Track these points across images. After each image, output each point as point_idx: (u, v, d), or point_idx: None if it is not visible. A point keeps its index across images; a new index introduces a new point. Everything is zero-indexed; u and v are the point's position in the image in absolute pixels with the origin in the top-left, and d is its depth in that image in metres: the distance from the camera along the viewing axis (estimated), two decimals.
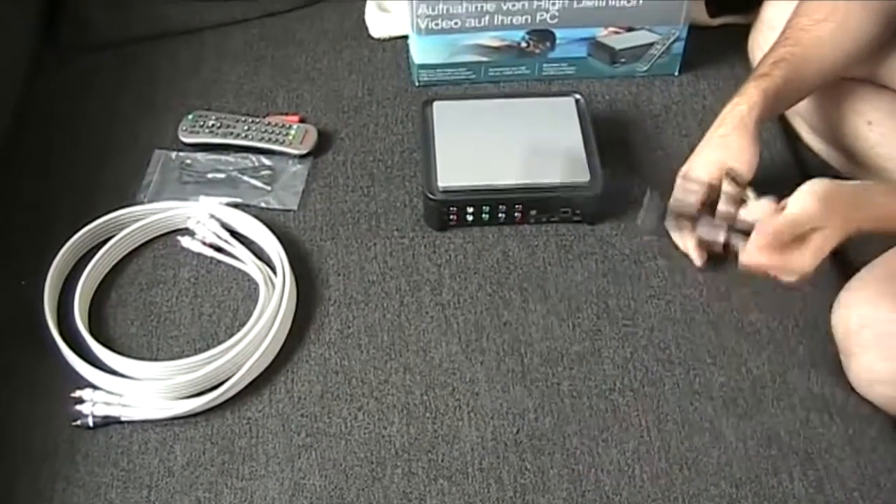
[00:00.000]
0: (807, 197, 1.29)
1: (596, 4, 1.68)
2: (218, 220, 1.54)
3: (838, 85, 1.60)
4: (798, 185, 1.32)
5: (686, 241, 1.50)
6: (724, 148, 1.45)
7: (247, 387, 1.38)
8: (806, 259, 1.30)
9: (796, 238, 1.30)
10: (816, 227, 1.29)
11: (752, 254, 1.33)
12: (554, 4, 1.68)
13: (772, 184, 1.53)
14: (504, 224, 1.55)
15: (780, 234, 1.30)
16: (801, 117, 1.73)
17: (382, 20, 1.86)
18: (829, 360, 1.40)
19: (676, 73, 1.81)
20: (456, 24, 1.69)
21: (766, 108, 1.46)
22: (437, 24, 1.69)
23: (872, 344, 1.33)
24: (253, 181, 1.61)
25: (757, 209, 1.37)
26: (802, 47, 1.48)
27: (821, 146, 1.73)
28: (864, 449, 1.33)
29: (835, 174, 1.69)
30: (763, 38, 1.70)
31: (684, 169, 1.47)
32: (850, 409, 1.36)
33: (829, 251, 1.31)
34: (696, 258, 1.49)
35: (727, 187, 1.39)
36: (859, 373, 1.36)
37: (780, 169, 1.64)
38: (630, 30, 1.74)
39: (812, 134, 1.73)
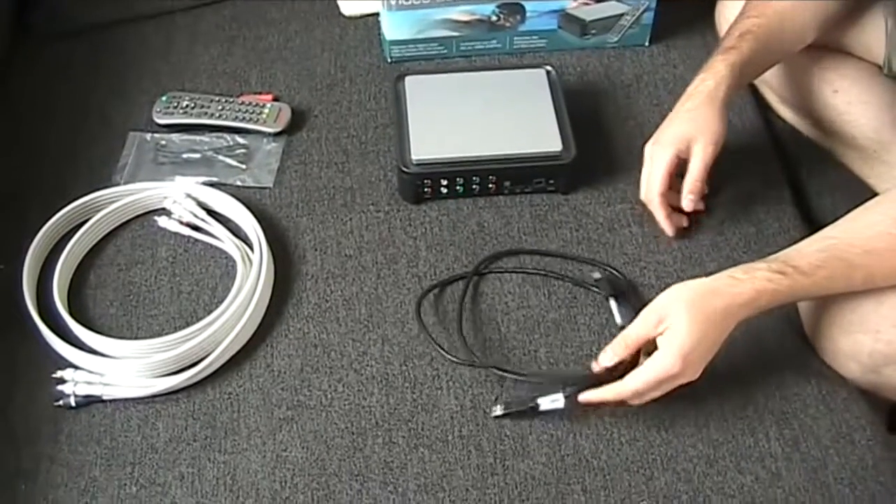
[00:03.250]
0: (669, 359, 1.23)
1: None
2: (194, 199, 1.54)
3: (805, 54, 1.61)
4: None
5: (658, 213, 1.51)
6: (691, 121, 1.46)
7: (227, 362, 1.39)
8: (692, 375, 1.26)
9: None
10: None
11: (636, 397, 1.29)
12: None
13: (743, 152, 1.56)
14: (479, 196, 1.57)
15: (646, 390, 1.27)
16: (770, 87, 1.74)
17: None
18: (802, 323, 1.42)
19: (647, 44, 1.82)
20: None
21: (733, 81, 1.47)
22: (407, 0, 1.70)
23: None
24: (228, 160, 1.62)
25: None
26: (767, 19, 1.48)
27: (790, 115, 1.74)
28: (838, 408, 1.35)
29: (806, 142, 1.71)
30: (729, 10, 1.71)
31: (651, 142, 1.48)
32: (824, 370, 1.38)
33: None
34: (668, 228, 1.50)
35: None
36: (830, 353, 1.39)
37: (751, 138, 1.66)
38: (599, 1, 1.74)
39: (781, 104, 1.75)
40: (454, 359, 1.37)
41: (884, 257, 1.26)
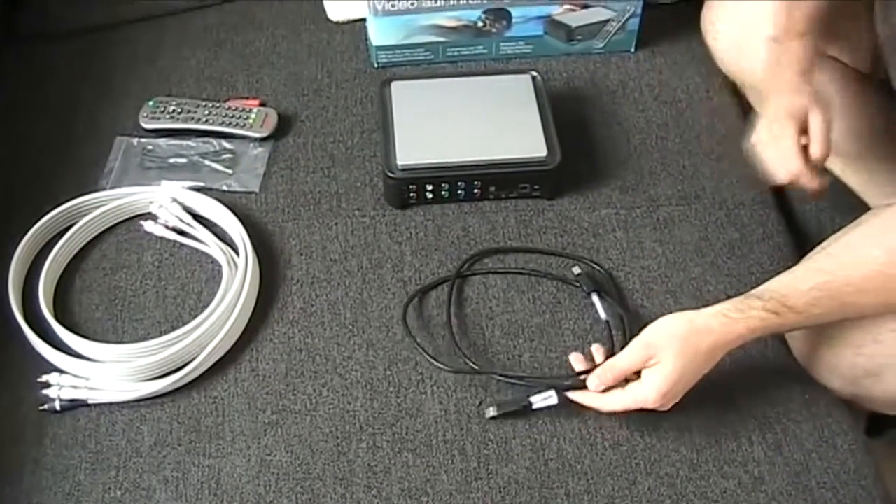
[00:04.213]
0: (651, 394, 1.25)
1: None
2: (180, 203, 1.55)
3: (784, 55, 1.61)
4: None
5: (810, 184, 1.44)
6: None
7: (212, 367, 1.39)
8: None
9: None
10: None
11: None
12: None
13: (727, 157, 1.56)
14: (464, 201, 1.57)
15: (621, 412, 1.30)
16: (754, 91, 1.74)
17: (340, 3, 1.87)
18: None
19: (633, 50, 1.82)
20: (412, 4, 1.71)
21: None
22: (393, 6, 1.70)
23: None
24: (214, 165, 1.62)
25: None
26: None
27: None
28: (821, 413, 1.36)
29: None
30: (715, 14, 1.71)
31: (769, 125, 1.45)
32: (806, 375, 1.39)
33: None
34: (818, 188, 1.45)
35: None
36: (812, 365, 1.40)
37: (735, 143, 1.65)
38: (585, 7, 1.75)
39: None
40: (443, 367, 1.37)
41: (875, 295, 1.26)
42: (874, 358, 1.30)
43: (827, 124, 1.42)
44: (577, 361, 1.35)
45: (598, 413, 1.32)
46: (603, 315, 1.42)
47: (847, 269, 1.27)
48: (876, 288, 1.25)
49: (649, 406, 1.26)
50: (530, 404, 1.32)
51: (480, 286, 1.48)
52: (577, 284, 1.46)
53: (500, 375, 1.36)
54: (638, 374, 1.27)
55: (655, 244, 1.53)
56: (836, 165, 1.64)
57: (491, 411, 1.33)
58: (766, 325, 1.25)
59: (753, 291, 1.28)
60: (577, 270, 1.47)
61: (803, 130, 1.42)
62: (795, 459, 1.31)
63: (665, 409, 1.27)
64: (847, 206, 1.41)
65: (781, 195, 1.65)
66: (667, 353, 1.24)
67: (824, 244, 1.32)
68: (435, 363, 1.37)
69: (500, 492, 1.28)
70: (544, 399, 1.32)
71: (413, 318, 1.44)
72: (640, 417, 1.32)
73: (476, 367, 1.37)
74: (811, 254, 1.32)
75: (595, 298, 1.44)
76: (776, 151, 1.43)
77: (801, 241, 1.56)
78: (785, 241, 1.53)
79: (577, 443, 1.32)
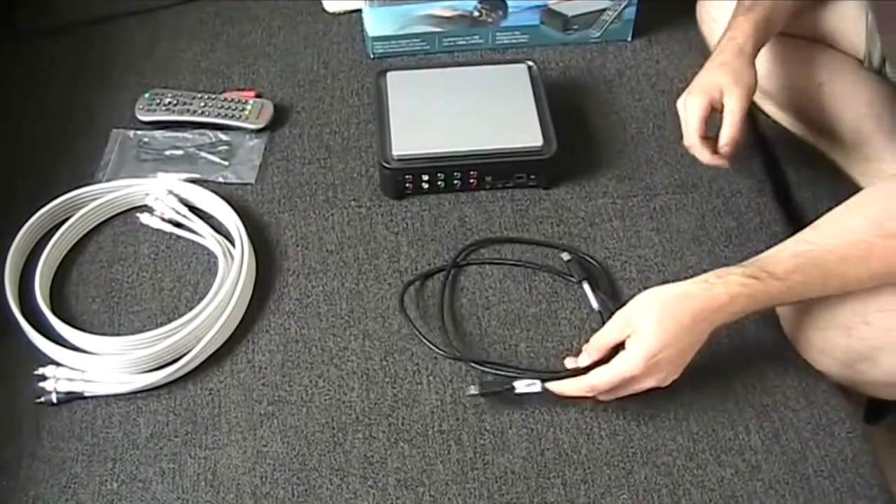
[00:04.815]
0: (631, 360, 1.25)
1: None
2: (176, 195, 1.55)
3: (790, 47, 1.61)
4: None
5: (701, 155, 1.48)
6: (722, 72, 1.47)
7: (208, 358, 1.39)
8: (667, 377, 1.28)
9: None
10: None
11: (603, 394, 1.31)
12: None
13: (733, 173, 1.56)
14: (460, 191, 1.57)
15: (608, 388, 1.29)
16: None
17: None
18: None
19: (629, 39, 1.82)
20: None
21: (759, 36, 1.49)
22: None
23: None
24: (210, 157, 1.62)
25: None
26: None
27: (773, 110, 1.74)
28: (818, 401, 1.36)
29: (788, 136, 1.71)
30: (711, 3, 1.72)
31: (685, 93, 1.49)
32: (803, 363, 1.39)
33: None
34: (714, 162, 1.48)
35: None
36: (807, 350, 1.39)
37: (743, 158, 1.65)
38: None
39: (764, 98, 1.74)
40: (441, 351, 1.37)
41: (858, 264, 1.26)
42: (867, 340, 1.30)
43: (739, 111, 1.44)
44: (571, 363, 1.34)
45: (594, 401, 1.31)
46: (595, 305, 1.42)
47: (829, 238, 1.27)
48: (858, 256, 1.25)
49: (637, 375, 1.25)
50: (513, 388, 1.32)
51: (476, 276, 1.48)
52: (568, 272, 1.46)
53: (488, 365, 1.36)
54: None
55: (652, 233, 1.52)
56: (837, 155, 1.65)
57: (472, 389, 1.33)
58: (749, 291, 1.24)
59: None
60: (565, 257, 1.47)
61: (715, 107, 1.46)
62: (793, 448, 1.31)
63: (666, 381, 1.27)
64: (845, 195, 1.41)
65: (779, 183, 1.65)
66: (645, 318, 1.24)
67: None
68: (436, 350, 1.37)
69: (496, 481, 1.28)
70: (527, 385, 1.31)
71: (411, 308, 1.44)
72: (637, 406, 1.32)
73: (460, 356, 1.38)
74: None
75: (586, 287, 1.44)
76: (683, 119, 1.48)
77: (798, 230, 1.54)
78: (782, 230, 1.53)
79: (573, 432, 1.32)
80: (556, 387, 1.31)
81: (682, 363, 1.27)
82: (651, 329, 1.23)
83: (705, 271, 1.28)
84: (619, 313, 1.28)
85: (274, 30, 1.85)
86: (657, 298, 1.25)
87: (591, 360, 1.29)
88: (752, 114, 1.74)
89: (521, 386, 1.32)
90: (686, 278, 1.27)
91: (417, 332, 1.39)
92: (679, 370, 1.27)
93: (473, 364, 1.37)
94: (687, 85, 1.48)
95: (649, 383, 1.26)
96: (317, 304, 1.45)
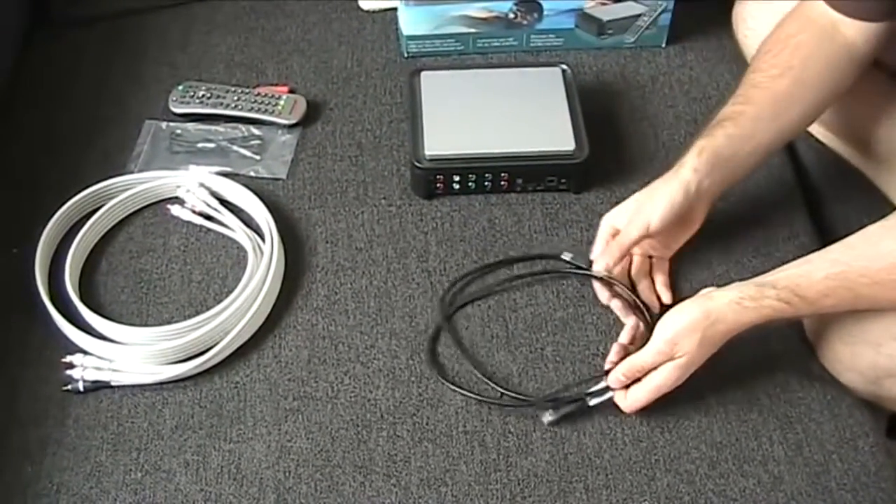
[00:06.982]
0: (672, 382, 1.28)
1: None
2: (207, 188, 1.55)
3: None
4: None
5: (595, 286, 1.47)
6: (646, 194, 1.42)
7: (235, 352, 1.39)
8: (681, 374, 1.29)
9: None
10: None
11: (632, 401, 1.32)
12: None
13: (763, 184, 1.55)
14: (490, 192, 1.57)
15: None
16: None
17: None
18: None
19: (663, 45, 1.82)
20: None
21: (707, 168, 1.39)
22: None
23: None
24: (242, 150, 1.63)
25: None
26: (754, 105, 1.41)
27: (826, 134, 1.70)
28: (842, 413, 1.35)
29: (820, 147, 1.69)
30: (746, 12, 1.71)
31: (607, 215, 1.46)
32: (828, 375, 1.38)
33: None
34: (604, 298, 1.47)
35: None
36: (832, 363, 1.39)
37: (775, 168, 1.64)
38: (617, 1, 1.75)
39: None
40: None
41: (890, 287, 1.25)
42: (894, 357, 1.30)
43: (625, 238, 1.41)
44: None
45: (618, 411, 1.32)
46: (604, 300, 1.44)
47: (863, 259, 1.26)
48: (891, 280, 1.24)
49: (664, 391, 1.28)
50: (586, 402, 1.33)
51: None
52: (578, 266, 1.47)
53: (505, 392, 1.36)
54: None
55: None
56: (869, 169, 1.63)
57: (548, 416, 1.33)
58: (779, 314, 1.25)
59: (769, 278, 1.28)
60: (567, 257, 1.48)
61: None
62: (816, 460, 1.31)
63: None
64: (877, 208, 1.40)
65: (810, 194, 1.64)
66: (688, 346, 1.25)
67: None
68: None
69: (518, 484, 1.28)
70: (599, 396, 1.33)
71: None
72: (661, 414, 1.32)
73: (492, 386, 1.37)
74: (831, 245, 1.32)
75: (595, 283, 1.45)
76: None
77: (827, 242, 1.54)
78: (811, 241, 1.52)
79: (597, 437, 1.32)
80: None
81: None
82: (695, 356, 1.26)
83: (732, 281, 1.28)
84: (659, 339, 1.27)
85: (309, 26, 1.85)
86: (698, 326, 1.26)
87: (628, 381, 1.30)
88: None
89: (594, 400, 1.33)
90: (711, 285, 1.28)
91: (461, 348, 1.40)
92: None
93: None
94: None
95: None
96: (344, 301, 1.45)
